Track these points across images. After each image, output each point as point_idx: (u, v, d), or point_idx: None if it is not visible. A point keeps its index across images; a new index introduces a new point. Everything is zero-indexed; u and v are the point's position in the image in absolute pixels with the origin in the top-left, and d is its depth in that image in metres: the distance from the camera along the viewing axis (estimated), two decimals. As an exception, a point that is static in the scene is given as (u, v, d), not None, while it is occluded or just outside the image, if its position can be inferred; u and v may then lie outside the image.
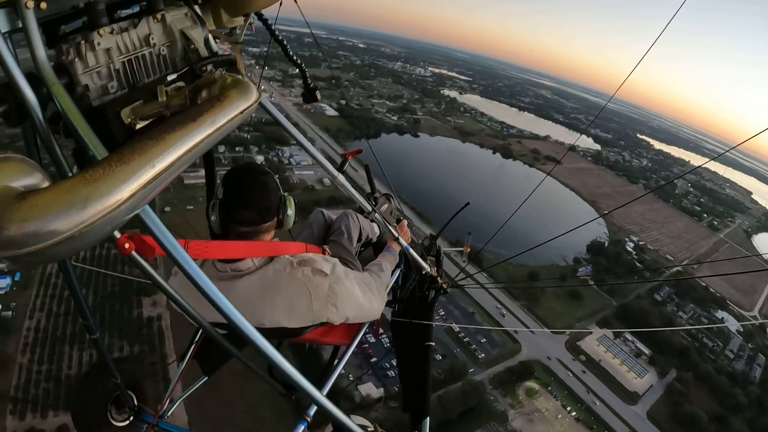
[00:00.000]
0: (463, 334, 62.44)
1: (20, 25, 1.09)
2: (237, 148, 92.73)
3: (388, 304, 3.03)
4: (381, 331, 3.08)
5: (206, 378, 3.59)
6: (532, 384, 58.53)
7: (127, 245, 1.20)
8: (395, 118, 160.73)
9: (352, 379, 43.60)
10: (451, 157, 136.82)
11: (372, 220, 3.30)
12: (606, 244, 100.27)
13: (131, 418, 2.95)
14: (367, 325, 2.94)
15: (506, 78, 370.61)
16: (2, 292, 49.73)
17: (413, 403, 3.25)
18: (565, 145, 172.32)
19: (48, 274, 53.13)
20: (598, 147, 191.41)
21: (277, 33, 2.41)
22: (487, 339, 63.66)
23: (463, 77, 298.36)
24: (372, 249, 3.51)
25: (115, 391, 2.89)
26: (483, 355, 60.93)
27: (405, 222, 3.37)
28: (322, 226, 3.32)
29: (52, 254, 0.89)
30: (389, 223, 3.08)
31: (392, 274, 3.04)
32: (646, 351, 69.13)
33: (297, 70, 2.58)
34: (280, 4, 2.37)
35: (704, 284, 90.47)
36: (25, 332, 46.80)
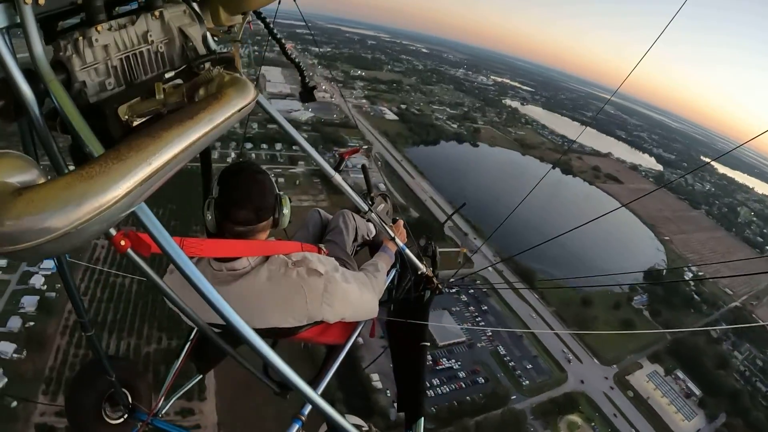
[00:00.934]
0: (509, 358, 60.75)
1: (18, 21, 1.08)
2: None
3: (384, 303, 3.00)
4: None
5: (201, 376, 3.61)
6: (575, 417, 55.46)
7: (123, 242, 1.22)
8: (455, 126, 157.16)
9: (389, 395, 42.78)
10: (510, 170, 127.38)
11: (368, 220, 3.31)
12: (664, 273, 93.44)
13: (125, 416, 2.94)
14: (362, 325, 2.94)
15: (569, 90, 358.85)
16: (48, 273, 50.65)
17: (408, 403, 3.24)
18: (627, 163, 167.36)
19: (96, 258, 54.29)
20: (660, 168, 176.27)
21: (275, 31, 2.41)
22: (533, 366, 60.96)
23: (525, 87, 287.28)
24: (368, 249, 3.51)
25: (109, 389, 2.87)
26: (527, 382, 58.39)
27: (401, 222, 3.37)
28: (318, 226, 3.33)
29: (48, 250, 0.89)
30: (385, 223, 3.08)
31: (388, 273, 3.03)
32: (697, 392, 64.15)
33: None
34: (279, 3, 2.39)
35: (762, 323, 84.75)
36: (66, 314, 47.61)
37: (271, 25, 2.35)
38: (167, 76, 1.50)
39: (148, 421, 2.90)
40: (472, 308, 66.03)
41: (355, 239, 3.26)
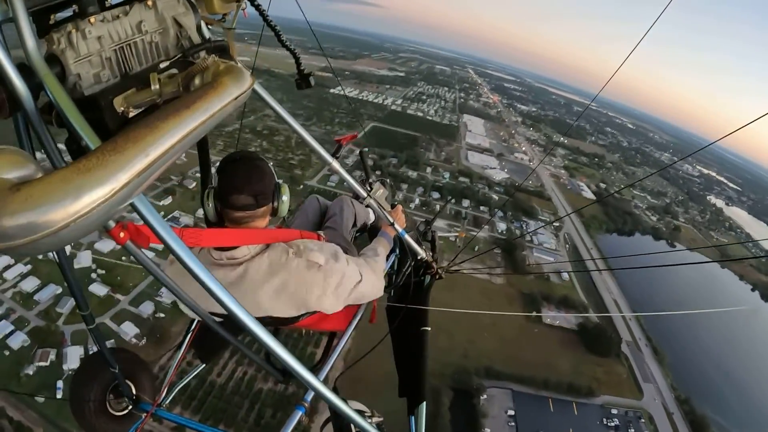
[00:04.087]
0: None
1: (10, 15, 1.07)
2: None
3: (384, 289, 2.93)
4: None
5: (204, 366, 3.65)
6: None
7: (122, 234, 1.22)
8: (654, 218, 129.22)
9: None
10: (702, 284, 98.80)
11: (367, 206, 3.29)
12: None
13: (129, 408, 2.94)
14: (362, 311, 2.94)
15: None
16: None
17: (409, 389, 3.25)
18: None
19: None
20: None
21: (270, 19, 2.36)
22: None
23: (732, 185, 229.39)
24: (368, 235, 3.52)
25: (113, 381, 2.88)
26: None
27: (400, 207, 3.36)
28: (317, 213, 3.34)
29: (47, 245, 0.89)
30: (384, 209, 3.07)
31: (387, 259, 3.04)
32: None
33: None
34: None
35: None
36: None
37: (266, 12, 2.31)
38: (162, 66, 1.49)
39: (153, 411, 2.90)
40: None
41: (354, 225, 3.28)
